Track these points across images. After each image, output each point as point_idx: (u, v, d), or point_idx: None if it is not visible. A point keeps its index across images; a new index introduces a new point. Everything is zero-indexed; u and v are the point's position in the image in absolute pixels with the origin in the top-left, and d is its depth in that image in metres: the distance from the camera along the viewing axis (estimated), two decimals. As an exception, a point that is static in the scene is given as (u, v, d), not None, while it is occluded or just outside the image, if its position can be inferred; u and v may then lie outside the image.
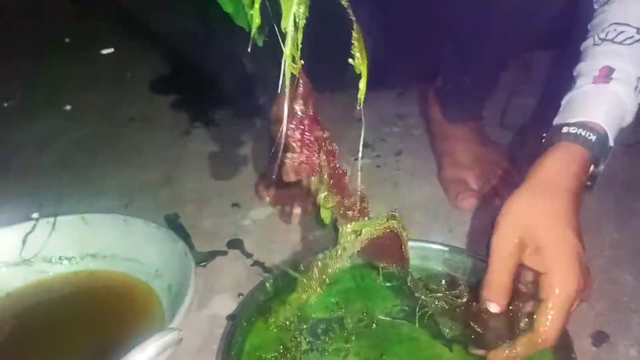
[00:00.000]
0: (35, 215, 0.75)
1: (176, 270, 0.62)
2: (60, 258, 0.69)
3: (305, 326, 0.57)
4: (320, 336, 0.57)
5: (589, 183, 0.52)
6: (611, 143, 0.52)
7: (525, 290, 0.48)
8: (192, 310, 0.65)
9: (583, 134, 0.50)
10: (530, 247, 0.47)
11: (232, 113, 1.11)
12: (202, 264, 0.72)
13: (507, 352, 0.47)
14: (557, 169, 0.50)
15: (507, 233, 0.48)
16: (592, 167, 0.52)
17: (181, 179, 0.94)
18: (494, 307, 0.48)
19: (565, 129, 0.51)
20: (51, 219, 0.69)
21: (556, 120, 0.54)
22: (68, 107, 1.24)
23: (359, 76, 0.42)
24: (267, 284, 0.59)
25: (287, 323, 0.57)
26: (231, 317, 0.63)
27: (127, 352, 0.42)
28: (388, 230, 0.51)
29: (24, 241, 0.68)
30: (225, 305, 0.66)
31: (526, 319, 0.47)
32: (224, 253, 0.75)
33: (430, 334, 0.55)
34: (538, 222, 0.47)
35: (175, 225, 0.81)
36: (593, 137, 0.50)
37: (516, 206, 0.49)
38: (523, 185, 0.50)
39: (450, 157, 0.83)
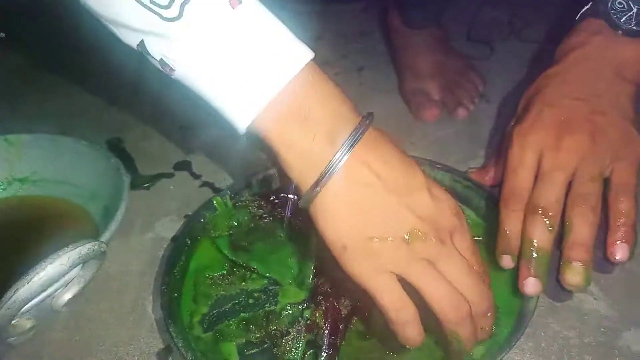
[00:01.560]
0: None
1: (112, 190, 0.57)
2: (-17, 185, 0.63)
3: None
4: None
5: None
6: None
7: None
8: (134, 234, 0.61)
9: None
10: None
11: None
12: (146, 185, 0.67)
13: None
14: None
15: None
16: None
17: (126, 102, 0.86)
18: (510, 263, 0.43)
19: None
20: (-32, 142, 0.61)
21: None
22: (2, 35, 1.13)
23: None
24: (215, 202, 0.55)
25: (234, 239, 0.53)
26: (176, 239, 0.59)
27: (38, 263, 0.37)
28: None
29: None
30: (170, 227, 0.61)
31: None
32: (170, 175, 0.69)
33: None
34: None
35: (117, 148, 0.74)
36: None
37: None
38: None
39: (411, 68, 0.78)
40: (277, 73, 0.33)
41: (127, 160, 0.72)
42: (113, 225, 0.47)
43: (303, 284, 0.47)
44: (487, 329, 0.40)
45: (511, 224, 0.43)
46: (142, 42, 0.33)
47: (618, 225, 0.42)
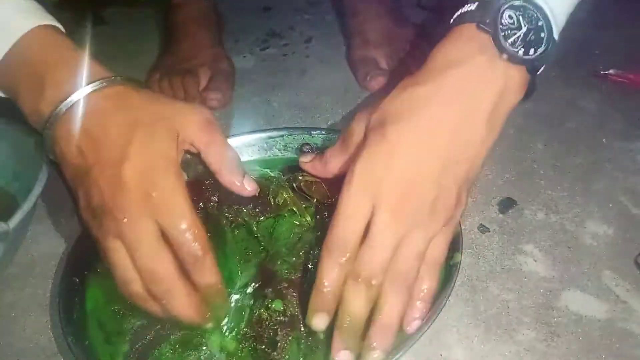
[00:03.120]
0: None
1: (35, 170, 0.53)
2: None
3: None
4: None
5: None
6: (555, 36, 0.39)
7: None
8: (64, 216, 0.57)
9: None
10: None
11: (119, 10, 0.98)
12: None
13: None
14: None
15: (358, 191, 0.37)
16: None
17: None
18: (322, 324, 0.38)
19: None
20: None
21: None
22: None
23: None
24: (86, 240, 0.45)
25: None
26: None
27: None
28: None
29: None
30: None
31: None
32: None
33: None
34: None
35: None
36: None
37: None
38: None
39: (359, 36, 0.76)
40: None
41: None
42: (26, 206, 0.44)
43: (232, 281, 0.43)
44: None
45: (331, 281, 0.37)
46: None
47: (418, 304, 0.39)
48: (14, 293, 0.49)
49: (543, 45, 0.38)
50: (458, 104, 0.37)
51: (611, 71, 0.71)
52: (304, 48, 0.85)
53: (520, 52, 0.37)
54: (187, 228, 0.38)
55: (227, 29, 0.87)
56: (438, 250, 0.39)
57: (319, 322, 0.37)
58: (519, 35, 0.37)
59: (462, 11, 0.39)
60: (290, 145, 0.57)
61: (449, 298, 0.45)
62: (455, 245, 0.41)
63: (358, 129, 0.41)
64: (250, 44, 0.87)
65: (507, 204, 0.54)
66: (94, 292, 0.45)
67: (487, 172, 0.58)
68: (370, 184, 0.36)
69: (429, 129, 0.37)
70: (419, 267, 0.37)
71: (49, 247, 0.54)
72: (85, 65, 0.40)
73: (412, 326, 0.38)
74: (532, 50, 0.37)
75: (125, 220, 0.37)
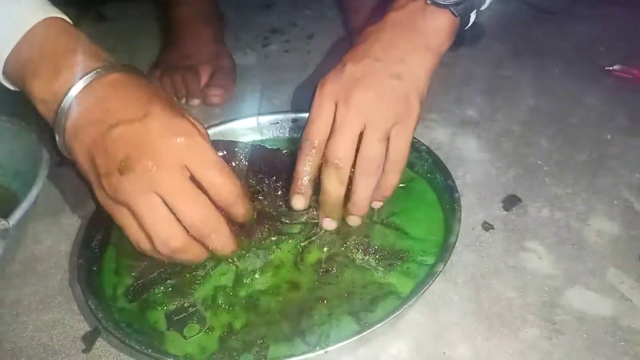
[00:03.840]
0: None
1: (36, 168, 0.53)
2: None
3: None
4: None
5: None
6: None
7: None
8: (65, 213, 0.57)
9: None
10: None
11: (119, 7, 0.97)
12: (77, 162, 0.63)
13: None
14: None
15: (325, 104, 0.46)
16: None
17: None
18: (299, 204, 0.47)
19: None
20: None
21: None
22: None
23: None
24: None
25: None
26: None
27: None
28: None
29: None
30: (104, 205, 0.58)
31: None
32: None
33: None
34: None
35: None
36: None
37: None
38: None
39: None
40: (11, 29, 0.41)
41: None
42: (26, 204, 0.44)
43: None
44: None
45: (303, 169, 0.46)
46: None
47: (382, 191, 0.47)
48: (15, 291, 0.49)
49: None
50: (398, 32, 0.47)
51: (616, 67, 0.70)
52: (305, 44, 0.85)
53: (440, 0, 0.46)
54: (219, 170, 0.41)
55: (229, 25, 0.87)
56: (399, 143, 0.45)
57: (297, 202, 0.46)
58: None
59: None
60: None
61: (452, 296, 0.45)
62: (442, 256, 0.44)
63: None
64: (252, 40, 0.86)
65: (511, 201, 0.54)
66: (120, 229, 0.46)
67: (490, 169, 0.58)
68: (332, 90, 0.45)
69: (375, 49, 0.46)
70: (381, 151, 0.45)
71: (50, 244, 0.53)
72: (98, 51, 0.42)
73: (376, 204, 0.49)
74: None
75: (155, 168, 0.38)
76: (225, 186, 0.41)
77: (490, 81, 0.71)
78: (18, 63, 0.41)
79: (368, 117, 0.44)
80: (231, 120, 0.61)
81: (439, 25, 0.47)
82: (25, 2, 0.42)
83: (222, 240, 0.42)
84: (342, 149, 0.44)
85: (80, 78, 0.40)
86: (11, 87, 0.44)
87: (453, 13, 0.47)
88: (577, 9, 0.82)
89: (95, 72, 0.40)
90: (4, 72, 0.42)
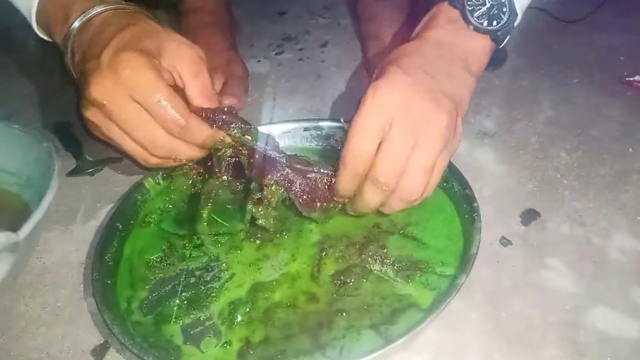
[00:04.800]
0: None
1: (47, 176, 0.52)
2: None
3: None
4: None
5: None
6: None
7: None
8: (76, 223, 0.57)
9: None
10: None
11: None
12: (89, 171, 0.63)
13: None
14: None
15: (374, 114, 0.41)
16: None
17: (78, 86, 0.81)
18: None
19: None
20: None
21: None
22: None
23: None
24: (146, 184, 0.51)
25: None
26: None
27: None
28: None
29: None
30: (115, 214, 0.57)
31: None
32: (119, 160, 0.65)
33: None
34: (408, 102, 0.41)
35: (65, 133, 0.70)
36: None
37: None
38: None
39: (375, 40, 0.75)
40: None
41: (75, 145, 0.67)
42: (37, 215, 0.44)
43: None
44: None
45: (346, 188, 0.44)
46: None
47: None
48: (25, 302, 0.49)
49: (505, 17, 0.46)
50: (440, 52, 0.45)
51: (637, 77, 0.68)
52: (319, 53, 0.84)
53: (484, 24, 0.46)
54: (160, 99, 0.41)
55: (242, 33, 0.86)
56: (437, 175, 0.43)
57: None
58: (484, 11, 0.46)
59: None
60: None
61: (470, 313, 0.44)
62: (464, 267, 0.43)
63: None
64: (266, 48, 0.86)
65: (530, 216, 0.52)
66: (133, 241, 0.50)
67: (508, 182, 0.56)
68: (387, 105, 0.41)
69: (424, 63, 0.44)
70: (424, 184, 0.42)
71: (60, 255, 0.53)
72: None
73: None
74: (494, 22, 0.46)
75: (106, 104, 0.41)
76: (166, 116, 0.42)
77: (508, 91, 0.70)
78: (42, 11, 0.48)
79: (422, 136, 0.41)
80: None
81: (478, 49, 0.47)
82: None
83: (181, 157, 0.46)
84: (392, 171, 0.41)
85: (76, 19, 0.46)
86: (46, 38, 0.50)
87: (492, 38, 0.46)
88: (596, 18, 0.81)
89: (84, 14, 0.45)
90: (37, 25, 0.49)
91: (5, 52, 0.91)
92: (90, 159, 0.65)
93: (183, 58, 0.44)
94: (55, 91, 0.80)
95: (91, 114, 0.43)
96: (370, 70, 0.74)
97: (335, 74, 0.78)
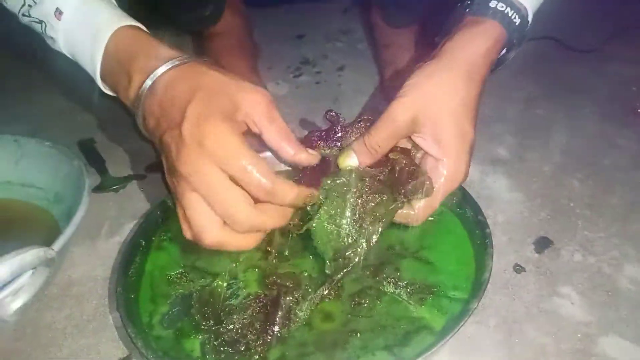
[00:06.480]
0: None
1: (75, 193, 0.54)
2: (-55, 187, 0.60)
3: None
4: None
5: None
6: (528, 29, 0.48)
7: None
8: (101, 238, 0.59)
9: (510, 13, 0.45)
10: (425, 128, 0.44)
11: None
12: (114, 187, 0.65)
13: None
14: (471, 46, 0.45)
15: (403, 108, 0.44)
16: (503, 51, 0.48)
17: (101, 103, 0.84)
18: (354, 161, 0.46)
19: (493, 3, 0.46)
20: None
21: None
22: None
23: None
24: (168, 201, 0.53)
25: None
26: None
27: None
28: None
29: None
30: (139, 230, 0.59)
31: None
32: (142, 177, 0.67)
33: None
34: (438, 105, 0.44)
35: (89, 150, 0.72)
36: (517, 20, 0.46)
37: (418, 82, 0.44)
38: (430, 61, 0.45)
39: (393, 66, 0.77)
40: (95, 46, 0.46)
41: (99, 162, 0.70)
42: (69, 231, 0.46)
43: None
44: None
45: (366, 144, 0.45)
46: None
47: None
48: (52, 314, 0.50)
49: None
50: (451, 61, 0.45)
51: (649, 109, 0.70)
52: (336, 76, 0.86)
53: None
54: (246, 165, 0.40)
55: (261, 55, 0.89)
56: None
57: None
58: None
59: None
60: None
61: (483, 339, 0.45)
62: (476, 292, 0.44)
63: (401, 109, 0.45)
64: (284, 71, 0.88)
65: (543, 244, 0.54)
66: (155, 256, 0.51)
67: (522, 210, 0.58)
68: (412, 104, 0.44)
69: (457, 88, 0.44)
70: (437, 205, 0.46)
71: (86, 269, 0.55)
72: (161, 50, 0.45)
73: None
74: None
75: (190, 174, 0.40)
76: (252, 183, 0.41)
77: (522, 119, 0.72)
78: (108, 72, 0.47)
79: (448, 148, 0.44)
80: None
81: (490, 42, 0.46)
82: (101, 16, 0.47)
83: (259, 238, 0.44)
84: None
85: (144, 81, 0.44)
86: (112, 94, 0.49)
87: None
88: (610, 48, 0.83)
89: (157, 71, 0.44)
90: (104, 85, 0.49)
91: (29, 68, 0.94)
92: (114, 176, 0.67)
93: (255, 108, 0.43)
94: (79, 108, 0.83)
95: (175, 182, 0.43)
96: (386, 94, 0.76)
97: (352, 98, 0.80)
